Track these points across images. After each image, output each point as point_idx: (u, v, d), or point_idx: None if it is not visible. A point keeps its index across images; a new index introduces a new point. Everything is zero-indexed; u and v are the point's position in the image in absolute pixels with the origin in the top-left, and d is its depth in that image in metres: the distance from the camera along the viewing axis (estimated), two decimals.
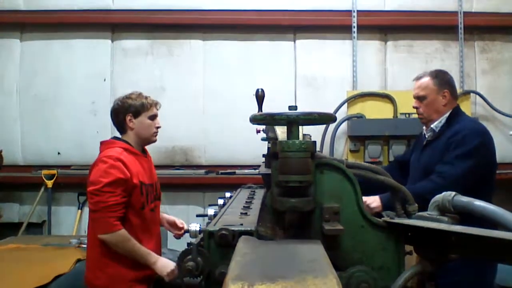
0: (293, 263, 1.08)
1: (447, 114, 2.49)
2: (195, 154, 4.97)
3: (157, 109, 2.53)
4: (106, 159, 2.30)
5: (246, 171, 4.80)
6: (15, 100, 4.96)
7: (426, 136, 2.55)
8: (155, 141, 2.54)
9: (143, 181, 2.40)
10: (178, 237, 2.64)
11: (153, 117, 2.49)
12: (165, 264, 2.30)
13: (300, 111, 1.46)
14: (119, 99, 2.49)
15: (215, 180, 4.75)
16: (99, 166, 2.31)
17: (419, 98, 2.56)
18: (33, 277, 2.72)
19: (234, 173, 4.80)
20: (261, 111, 1.72)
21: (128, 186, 2.30)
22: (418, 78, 2.60)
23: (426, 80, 2.55)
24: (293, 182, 1.39)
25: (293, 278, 0.93)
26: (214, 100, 4.95)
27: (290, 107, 1.54)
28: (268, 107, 1.89)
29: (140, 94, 2.49)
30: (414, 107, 2.62)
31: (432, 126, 2.51)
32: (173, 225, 2.67)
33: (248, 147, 4.68)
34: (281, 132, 1.82)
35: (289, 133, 1.46)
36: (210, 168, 4.93)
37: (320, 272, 0.98)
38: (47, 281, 2.70)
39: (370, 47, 5.02)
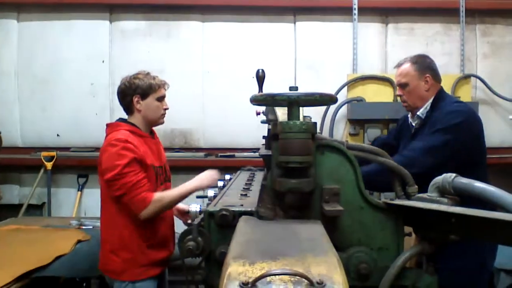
0: (293, 242, 1.09)
1: (431, 100, 2.44)
2: (194, 137, 4.97)
3: (165, 90, 2.47)
4: (115, 142, 2.26)
5: (246, 154, 4.80)
6: (13, 81, 4.92)
7: (414, 125, 2.50)
8: (162, 123, 2.50)
9: (153, 163, 2.37)
10: (187, 223, 2.58)
11: (161, 99, 2.43)
12: (202, 179, 2.33)
13: (301, 91, 1.45)
14: (126, 79, 2.42)
15: (214, 163, 4.75)
16: (110, 151, 2.26)
17: (401, 85, 2.51)
18: (35, 257, 2.73)
19: (233, 156, 4.80)
20: (262, 92, 1.71)
21: (143, 165, 2.28)
22: (398, 65, 2.55)
23: (407, 66, 2.49)
24: (293, 163, 1.39)
25: (294, 257, 0.94)
26: (213, 82, 4.92)
27: (291, 88, 1.53)
28: (268, 90, 1.88)
29: (147, 74, 2.42)
30: (397, 95, 2.59)
31: (418, 113, 2.45)
32: (183, 214, 2.64)
33: (248, 130, 4.68)
34: (281, 113, 1.81)
35: (290, 114, 1.46)
36: (209, 150, 4.92)
37: (320, 251, 0.99)
38: (48, 261, 2.71)
39: (371, 30, 4.97)
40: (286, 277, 0.83)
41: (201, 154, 4.83)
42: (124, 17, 4.93)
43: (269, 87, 1.93)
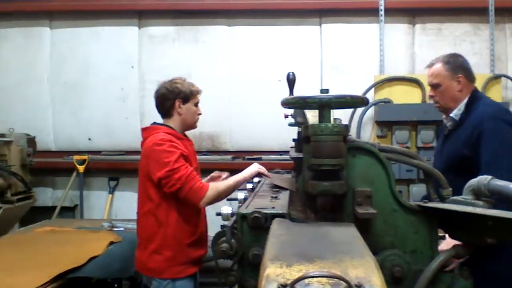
0: (328, 244, 1.09)
1: (465, 100, 2.37)
2: (221, 140, 5.01)
3: (199, 96, 2.58)
4: (161, 142, 2.33)
5: (272, 156, 4.82)
6: (46, 87, 5.07)
7: (447, 126, 2.45)
8: (196, 127, 2.60)
9: (192, 165, 2.44)
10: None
11: (197, 104, 2.54)
12: (250, 169, 2.39)
13: (333, 94, 1.46)
14: (167, 84, 2.50)
15: (241, 165, 4.72)
16: (157, 150, 2.32)
17: (433, 86, 2.45)
18: (69, 258, 2.79)
19: (260, 158, 4.82)
20: (292, 94, 1.72)
21: (188, 162, 2.35)
22: (430, 65, 2.47)
23: (438, 66, 2.42)
24: (325, 166, 1.39)
25: (330, 259, 0.94)
26: (239, 86, 4.96)
27: (322, 90, 1.53)
28: (294, 93, 1.89)
29: (185, 80, 2.53)
30: (430, 96, 2.53)
31: (451, 115, 2.38)
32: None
33: (274, 132, 4.70)
34: (311, 116, 1.82)
35: (321, 117, 1.47)
36: (236, 153, 4.96)
37: (357, 253, 0.99)
38: (82, 262, 2.76)
39: (398, 31, 4.92)
40: (324, 280, 0.84)
41: (229, 157, 4.87)
42: (152, 23, 5.02)
43: (295, 90, 1.95)
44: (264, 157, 4.83)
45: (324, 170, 1.40)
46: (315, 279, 0.84)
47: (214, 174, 2.71)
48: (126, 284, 3.96)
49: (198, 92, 2.53)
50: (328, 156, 1.39)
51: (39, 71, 5.07)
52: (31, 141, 4.57)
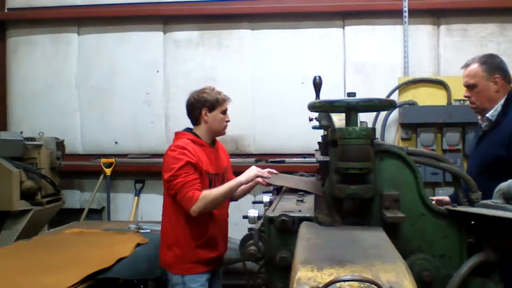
0: (358, 248, 1.10)
1: (502, 101, 2.35)
2: (244, 143, 5.04)
3: (228, 104, 2.67)
4: (174, 148, 2.50)
5: (296, 159, 4.82)
6: (74, 92, 5.20)
7: (482, 126, 2.43)
8: (224, 133, 2.71)
9: (207, 170, 2.55)
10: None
11: (225, 112, 2.64)
12: (247, 173, 2.42)
13: (360, 97, 1.46)
14: (194, 93, 2.64)
15: (264, 168, 4.79)
16: (169, 155, 2.49)
17: (469, 86, 2.44)
18: (98, 259, 2.85)
19: (283, 161, 4.83)
20: (319, 98, 1.73)
21: (197, 169, 2.46)
22: (466, 66, 2.47)
23: (474, 67, 2.41)
24: (353, 169, 1.40)
25: (361, 263, 0.95)
26: (262, 89, 4.98)
27: (349, 94, 1.54)
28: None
29: (214, 89, 2.64)
30: (465, 97, 2.51)
31: (487, 115, 2.37)
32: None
33: (297, 135, 4.71)
34: (337, 119, 1.82)
35: (348, 120, 1.47)
36: (260, 156, 4.98)
37: (387, 257, 0.99)
38: (110, 263, 2.82)
39: (422, 32, 4.87)
40: (356, 284, 0.84)
41: (252, 159, 4.89)
42: (177, 28, 5.10)
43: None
44: (287, 160, 4.85)
45: (352, 174, 1.40)
46: (346, 283, 0.85)
47: (264, 171, 2.73)
48: (151, 285, 4.02)
49: (224, 100, 2.62)
50: (355, 159, 1.39)
51: (67, 76, 5.20)
52: (60, 144, 4.69)
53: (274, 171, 2.48)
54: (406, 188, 1.51)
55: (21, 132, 4.31)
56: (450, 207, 1.51)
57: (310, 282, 0.88)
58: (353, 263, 0.95)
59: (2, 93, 5.33)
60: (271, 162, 4.84)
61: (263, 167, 4.09)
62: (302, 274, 0.91)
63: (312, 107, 1.53)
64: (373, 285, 0.84)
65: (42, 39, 5.25)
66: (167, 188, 2.51)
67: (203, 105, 2.57)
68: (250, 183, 2.52)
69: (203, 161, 2.52)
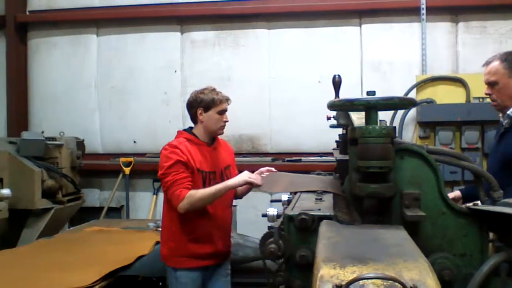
0: (380, 246, 1.10)
1: None
2: (261, 142, 5.05)
3: (227, 104, 2.65)
4: (167, 147, 2.56)
5: (312, 158, 4.82)
6: (93, 92, 5.29)
7: (503, 124, 2.41)
8: (221, 134, 2.69)
9: (201, 168, 2.56)
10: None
11: (222, 112, 2.61)
12: (237, 178, 2.46)
13: (380, 96, 1.45)
14: (193, 93, 2.65)
15: (281, 167, 4.72)
16: (162, 153, 2.58)
17: (490, 84, 2.42)
18: (118, 257, 2.91)
19: (300, 160, 4.83)
20: (338, 97, 1.73)
21: (188, 167, 2.50)
22: (487, 63, 2.44)
23: (495, 64, 2.38)
24: (373, 168, 1.39)
25: (383, 261, 0.95)
26: (279, 88, 4.99)
27: (369, 92, 1.54)
28: (333, 94, 1.90)
29: (213, 90, 2.63)
30: (486, 94, 2.49)
31: (508, 112, 2.35)
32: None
33: (314, 134, 4.71)
34: (356, 118, 1.82)
35: (368, 119, 1.46)
36: (276, 155, 4.99)
37: (410, 256, 0.99)
38: (130, 261, 2.88)
39: (440, 29, 4.83)
40: (379, 282, 0.85)
41: (268, 158, 4.90)
42: (194, 28, 5.14)
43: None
44: (304, 159, 4.85)
45: (372, 172, 1.40)
46: (370, 280, 0.85)
47: (262, 169, 2.75)
48: None
49: (221, 100, 2.60)
50: (376, 158, 1.38)
51: (87, 77, 5.28)
52: (80, 144, 4.77)
53: (273, 169, 2.50)
54: (427, 187, 1.50)
55: (42, 132, 4.39)
56: (471, 206, 1.50)
57: (333, 280, 0.88)
58: (376, 261, 0.95)
59: (24, 93, 5.44)
60: (288, 161, 4.85)
61: (280, 167, 4.14)
62: (325, 271, 0.92)
63: (331, 106, 1.53)
64: (396, 283, 0.84)
65: (62, 41, 5.35)
66: (161, 185, 2.64)
67: (199, 105, 2.58)
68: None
69: (196, 160, 2.55)
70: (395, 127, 1.49)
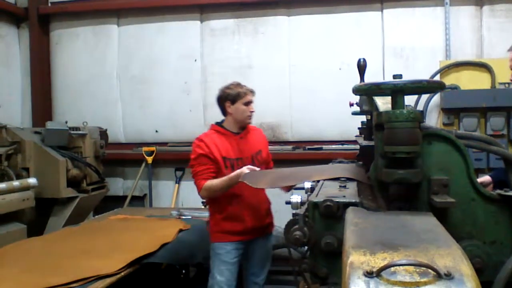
0: (410, 233, 1.08)
1: None
2: (282, 130, 5.03)
3: (252, 96, 2.91)
4: (196, 140, 2.88)
5: (333, 146, 4.78)
6: (115, 82, 5.33)
7: None
8: (249, 123, 2.98)
9: (227, 156, 2.83)
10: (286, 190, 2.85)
11: (248, 103, 2.88)
12: (237, 173, 2.63)
13: (407, 79, 1.42)
14: (221, 89, 2.95)
15: (302, 155, 4.78)
16: (192, 145, 2.89)
17: None
18: (142, 245, 2.94)
19: (321, 148, 4.80)
20: (363, 81, 1.70)
21: (211, 159, 2.79)
22: (511, 49, 2.41)
23: None
24: (400, 153, 1.36)
25: (415, 248, 0.93)
26: (299, 76, 4.94)
27: (395, 76, 1.50)
28: (354, 80, 1.86)
29: (238, 84, 2.92)
30: (511, 80, 2.43)
31: None
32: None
33: (335, 122, 4.66)
34: (381, 103, 1.78)
35: (394, 103, 1.43)
36: (297, 144, 4.97)
37: (442, 242, 0.97)
38: (155, 248, 2.90)
39: (464, 13, 4.70)
40: (411, 268, 0.83)
41: (289, 147, 4.88)
42: (213, 17, 5.12)
43: (355, 77, 1.91)
44: (325, 147, 4.81)
45: (399, 158, 1.37)
46: (402, 267, 0.83)
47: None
48: (193, 270, 4.11)
49: (246, 93, 2.88)
50: (403, 143, 1.35)
51: (108, 67, 5.33)
52: (103, 133, 4.83)
53: (256, 168, 2.64)
54: (456, 173, 1.47)
55: (66, 122, 4.45)
56: (502, 192, 1.46)
57: (363, 266, 0.87)
58: (407, 247, 0.93)
59: (48, 84, 5.52)
60: (309, 149, 4.82)
61: (300, 155, 4.08)
62: (355, 258, 0.90)
63: (357, 90, 1.50)
64: (429, 270, 0.82)
65: (84, 31, 5.40)
66: None
67: (226, 99, 2.87)
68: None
69: (222, 149, 2.83)
70: (423, 111, 1.46)
